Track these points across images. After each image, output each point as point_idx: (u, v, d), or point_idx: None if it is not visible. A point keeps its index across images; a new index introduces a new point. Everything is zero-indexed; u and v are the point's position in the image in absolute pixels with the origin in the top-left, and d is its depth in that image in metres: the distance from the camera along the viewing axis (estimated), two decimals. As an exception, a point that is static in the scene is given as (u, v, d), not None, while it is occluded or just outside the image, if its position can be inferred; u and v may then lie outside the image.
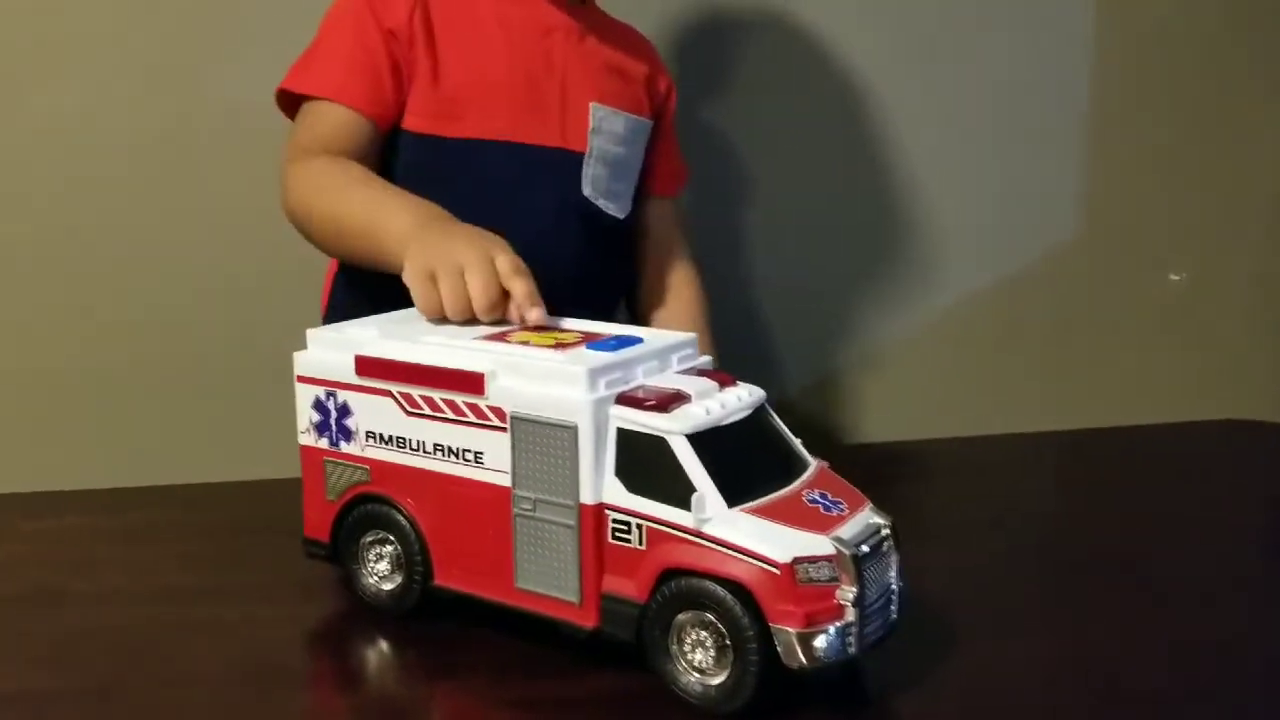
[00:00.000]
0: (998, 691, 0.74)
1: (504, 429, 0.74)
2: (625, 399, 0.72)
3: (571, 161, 1.14)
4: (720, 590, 0.68)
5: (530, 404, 0.73)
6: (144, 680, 0.76)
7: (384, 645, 0.80)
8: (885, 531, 0.72)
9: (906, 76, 1.60)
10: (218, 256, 1.45)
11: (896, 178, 1.62)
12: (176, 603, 0.86)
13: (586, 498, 0.72)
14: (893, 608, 0.72)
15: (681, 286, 1.25)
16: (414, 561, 0.79)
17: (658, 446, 0.70)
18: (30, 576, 0.91)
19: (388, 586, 0.82)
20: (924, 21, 1.59)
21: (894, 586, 0.72)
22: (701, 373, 0.78)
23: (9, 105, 1.40)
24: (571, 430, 0.71)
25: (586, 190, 1.15)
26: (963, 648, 0.79)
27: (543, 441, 0.73)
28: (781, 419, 0.78)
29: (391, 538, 0.81)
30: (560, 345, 0.78)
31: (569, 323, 0.85)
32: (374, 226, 0.97)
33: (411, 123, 1.10)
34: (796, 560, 0.67)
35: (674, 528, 0.70)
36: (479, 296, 0.83)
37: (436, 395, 0.77)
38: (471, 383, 0.75)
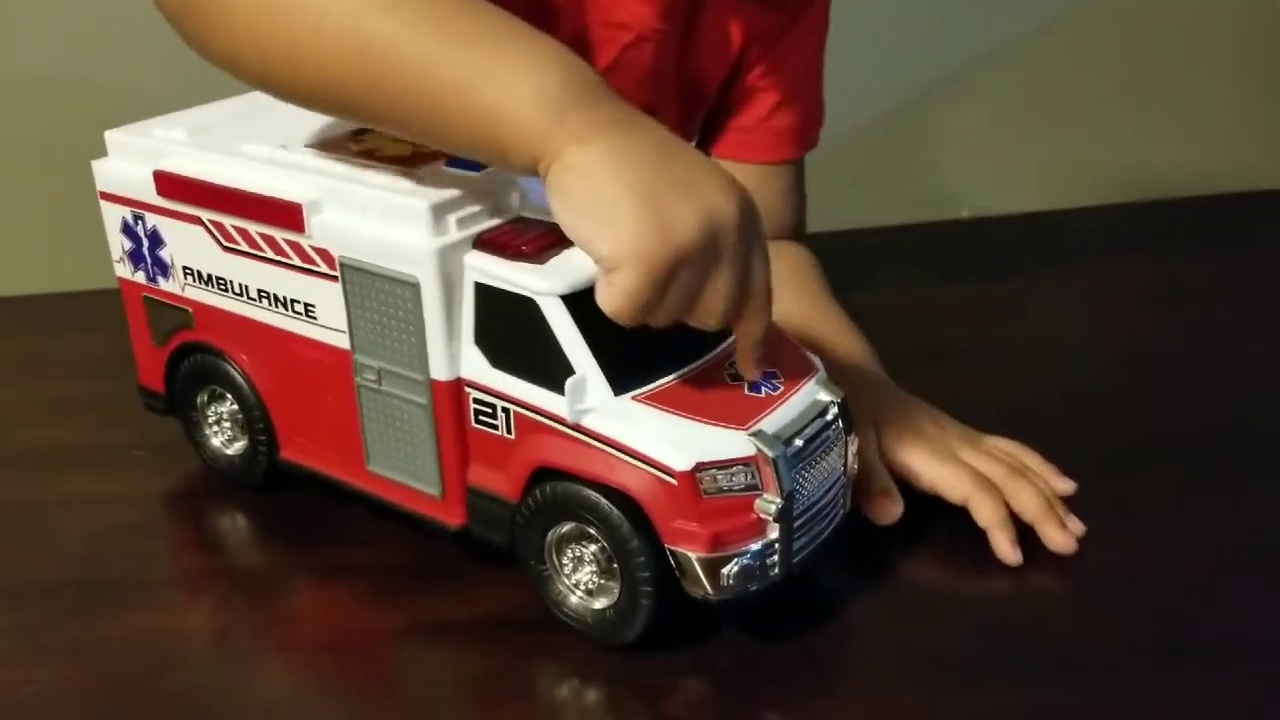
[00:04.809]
0: (998, 623, 0.58)
1: (335, 278, 0.57)
2: (486, 241, 0.54)
3: None
4: (602, 501, 0.52)
5: (361, 248, 0.55)
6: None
7: (239, 519, 0.67)
8: (833, 413, 0.55)
9: None
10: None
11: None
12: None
13: (439, 372, 0.55)
14: (841, 504, 0.56)
15: None
16: (255, 427, 0.64)
17: (525, 310, 0.52)
18: None
19: (231, 451, 0.67)
20: None
21: (842, 480, 0.56)
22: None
23: None
24: (413, 287, 0.54)
25: None
26: (955, 548, 0.62)
27: (380, 298, 0.55)
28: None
29: (229, 395, 0.65)
30: (417, 155, 0.59)
31: None
32: (482, 97, 0.50)
33: None
34: (700, 466, 0.50)
35: (547, 416, 0.53)
36: (720, 303, 0.50)
37: (252, 228, 0.59)
38: (287, 215, 0.56)
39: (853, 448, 0.56)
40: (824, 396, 0.55)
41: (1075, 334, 0.85)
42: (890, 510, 0.61)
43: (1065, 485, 0.64)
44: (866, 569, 0.59)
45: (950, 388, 0.71)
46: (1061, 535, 0.60)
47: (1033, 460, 0.65)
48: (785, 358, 0.56)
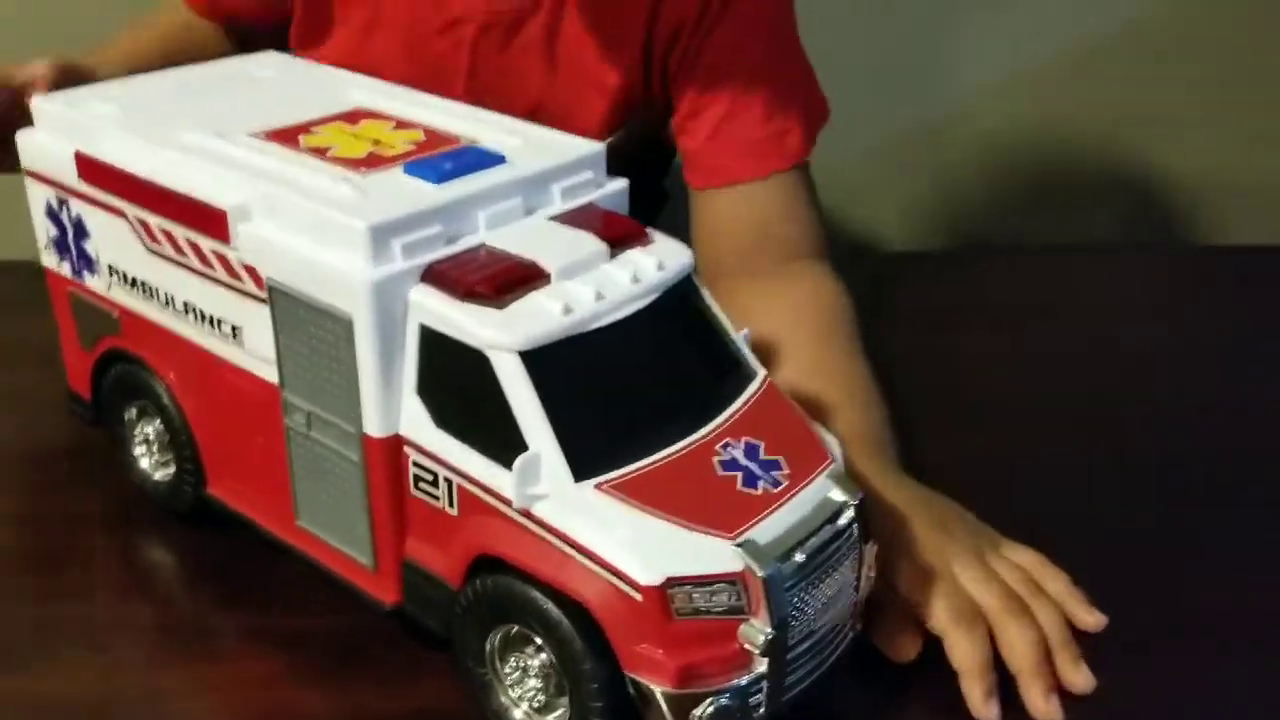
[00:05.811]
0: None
1: (264, 299, 0.47)
2: (437, 274, 0.44)
3: None
4: (551, 608, 0.42)
5: (289, 270, 0.45)
6: None
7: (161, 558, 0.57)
8: (847, 518, 0.44)
9: None
10: None
11: None
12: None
13: (372, 427, 0.45)
14: (849, 628, 0.46)
15: None
16: (182, 454, 0.55)
17: (475, 364, 0.42)
18: None
19: (159, 476, 0.58)
20: None
21: (854, 599, 0.45)
22: (594, 217, 0.48)
23: None
24: (345, 323, 0.44)
25: None
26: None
27: (311, 331, 0.45)
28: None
29: (158, 415, 0.56)
30: (376, 156, 0.49)
31: (440, 111, 0.55)
32: None
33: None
34: (672, 582, 0.40)
35: (493, 495, 0.43)
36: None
37: (177, 231, 0.49)
38: (211, 221, 0.47)
39: (869, 558, 0.45)
40: (838, 496, 0.44)
41: (1108, 389, 0.73)
42: (906, 649, 0.50)
43: (1092, 619, 0.51)
44: (871, 704, 0.49)
45: (967, 446, 0.62)
46: (1044, 704, 0.48)
47: (1054, 584, 0.52)
48: (793, 440, 0.45)
